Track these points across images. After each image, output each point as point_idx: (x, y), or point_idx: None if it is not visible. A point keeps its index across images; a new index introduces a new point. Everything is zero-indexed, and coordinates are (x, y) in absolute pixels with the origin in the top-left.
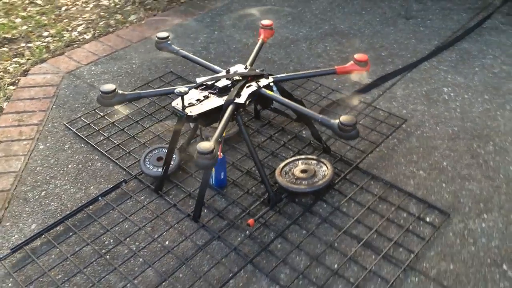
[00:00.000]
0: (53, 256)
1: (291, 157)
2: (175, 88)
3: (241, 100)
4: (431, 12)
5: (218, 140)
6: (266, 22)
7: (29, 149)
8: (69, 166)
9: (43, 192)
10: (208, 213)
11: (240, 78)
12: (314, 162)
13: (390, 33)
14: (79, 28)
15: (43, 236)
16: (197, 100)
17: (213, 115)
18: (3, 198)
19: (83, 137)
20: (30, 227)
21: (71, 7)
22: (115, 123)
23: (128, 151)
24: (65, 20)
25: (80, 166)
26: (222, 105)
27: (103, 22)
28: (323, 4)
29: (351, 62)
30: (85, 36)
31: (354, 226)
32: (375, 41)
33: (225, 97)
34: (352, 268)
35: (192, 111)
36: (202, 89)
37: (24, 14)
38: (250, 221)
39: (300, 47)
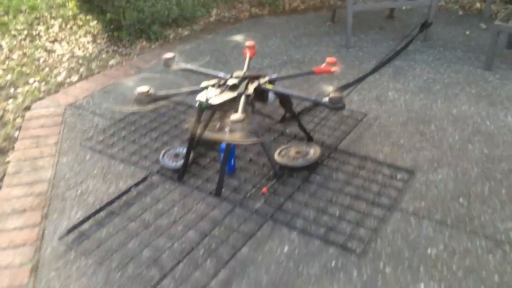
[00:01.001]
0: (103, 233)
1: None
2: (197, 87)
3: (249, 92)
4: (365, 42)
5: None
6: (249, 43)
7: (53, 163)
8: (95, 171)
9: (79, 191)
10: (225, 191)
11: (243, 78)
12: (303, 146)
13: (337, 58)
14: (62, 74)
15: (90, 220)
16: (215, 95)
17: (229, 104)
18: (43, 199)
19: (100, 149)
20: (76, 216)
21: (49, 59)
22: (125, 137)
23: (144, 155)
24: (46, 69)
25: (104, 170)
26: (235, 96)
27: (84, 67)
28: (277, 42)
29: (325, 64)
30: (71, 79)
31: (345, 187)
32: None
33: (236, 92)
34: (351, 213)
35: (214, 101)
36: (217, 88)
37: (4, 67)
38: (264, 189)
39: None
